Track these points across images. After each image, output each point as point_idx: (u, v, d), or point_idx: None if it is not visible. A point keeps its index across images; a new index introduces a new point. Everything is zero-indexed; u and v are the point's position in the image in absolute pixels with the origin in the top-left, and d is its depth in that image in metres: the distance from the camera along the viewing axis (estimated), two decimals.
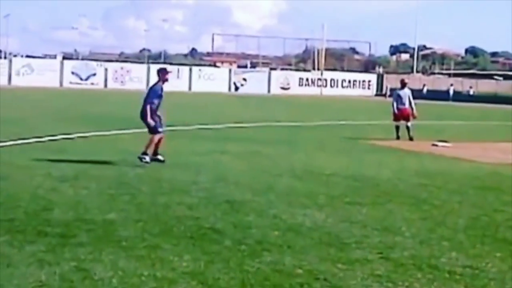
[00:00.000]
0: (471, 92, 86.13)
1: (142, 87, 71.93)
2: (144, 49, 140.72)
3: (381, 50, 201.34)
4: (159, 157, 14.46)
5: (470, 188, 12.78)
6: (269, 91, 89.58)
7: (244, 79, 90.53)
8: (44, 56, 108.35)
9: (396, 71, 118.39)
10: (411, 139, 23.12)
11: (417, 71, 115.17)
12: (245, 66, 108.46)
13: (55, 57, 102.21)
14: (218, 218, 9.25)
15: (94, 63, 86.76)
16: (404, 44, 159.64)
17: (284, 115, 37.10)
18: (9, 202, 9.81)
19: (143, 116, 14.39)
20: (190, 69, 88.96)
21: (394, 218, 9.70)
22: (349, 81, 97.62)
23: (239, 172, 13.84)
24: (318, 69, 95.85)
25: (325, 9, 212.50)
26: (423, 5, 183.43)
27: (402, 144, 21.67)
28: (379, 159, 17.11)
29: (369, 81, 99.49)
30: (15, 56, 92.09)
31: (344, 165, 15.65)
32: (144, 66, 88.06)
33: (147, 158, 14.12)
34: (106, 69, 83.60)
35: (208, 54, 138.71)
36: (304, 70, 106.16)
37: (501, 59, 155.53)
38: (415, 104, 24.46)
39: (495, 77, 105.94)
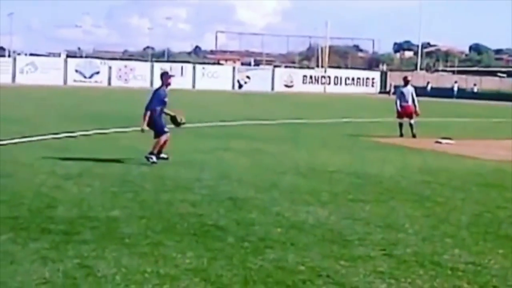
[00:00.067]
0: (475, 90, 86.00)
1: (146, 85, 72.10)
2: (147, 47, 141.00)
3: (385, 47, 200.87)
4: (163, 155, 14.51)
5: (473, 185, 12.79)
6: (272, 88, 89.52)
7: (248, 77, 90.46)
8: (48, 54, 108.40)
9: (400, 69, 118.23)
10: (414, 136, 23.14)
11: (421, 69, 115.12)
12: (249, 64, 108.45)
13: (59, 55, 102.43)
14: (221, 215, 9.27)
15: (98, 61, 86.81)
16: (408, 42, 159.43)
17: (287, 113, 37.09)
18: (13, 200, 9.85)
19: (149, 122, 14.46)
20: (194, 67, 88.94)
21: (397, 215, 9.72)
22: (353, 79, 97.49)
23: (243, 170, 13.86)
24: (322, 66, 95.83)
25: (328, 7, 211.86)
26: (426, 2, 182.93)
27: (405, 142, 21.68)
28: (382, 156, 17.12)
29: (373, 79, 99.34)
30: (19, 54, 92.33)
31: (347, 162, 15.66)
32: (148, 64, 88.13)
33: (154, 158, 14.15)
34: (110, 67, 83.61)
35: (212, 52, 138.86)
36: (308, 67, 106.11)
37: (505, 56, 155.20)
38: (418, 101, 24.46)
39: (499, 74, 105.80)
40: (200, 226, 8.54)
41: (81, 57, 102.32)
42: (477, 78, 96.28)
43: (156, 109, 14.45)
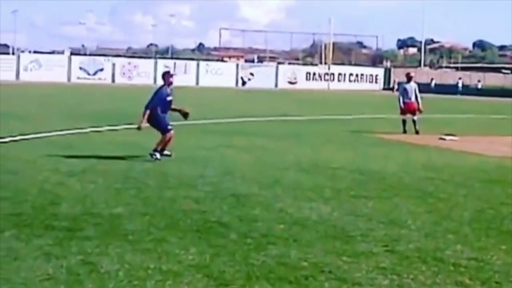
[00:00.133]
0: (479, 86, 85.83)
1: (150, 82, 72.05)
2: (151, 44, 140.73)
3: (389, 44, 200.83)
4: (166, 152, 14.56)
5: (476, 181, 12.80)
6: (276, 85, 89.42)
7: (252, 74, 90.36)
8: (52, 52, 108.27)
9: (403, 65, 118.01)
10: (417, 132, 23.13)
11: (425, 65, 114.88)
12: (252, 61, 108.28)
13: (62, 52, 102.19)
14: (224, 211, 9.30)
15: (101, 58, 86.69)
16: (411, 38, 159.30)
17: (291, 109, 37.08)
18: (17, 197, 9.88)
19: (151, 121, 14.53)
20: (198, 64, 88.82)
21: (400, 211, 9.73)
22: (357, 75, 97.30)
23: (246, 166, 13.88)
24: (326, 63, 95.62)
25: (332, 3, 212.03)
26: None
27: (409, 138, 21.68)
28: (385, 153, 17.13)
29: (377, 75, 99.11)
30: (23, 51, 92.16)
31: (351, 158, 15.67)
32: (152, 61, 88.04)
33: (158, 155, 14.20)
34: (113, 64, 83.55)
35: (216, 49, 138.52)
36: (312, 64, 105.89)
37: (509, 53, 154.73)
38: (422, 98, 24.44)
39: (503, 70, 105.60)
40: (203, 223, 8.57)
41: (85, 54, 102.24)
42: (480, 74, 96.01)
43: (157, 108, 14.49)
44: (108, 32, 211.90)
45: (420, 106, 24.10)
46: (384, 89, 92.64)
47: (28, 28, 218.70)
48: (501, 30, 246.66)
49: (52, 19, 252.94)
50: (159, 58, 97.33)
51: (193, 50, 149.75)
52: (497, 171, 14.33)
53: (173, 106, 14.88)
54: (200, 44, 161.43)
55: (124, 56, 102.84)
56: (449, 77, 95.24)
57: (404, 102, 24.05)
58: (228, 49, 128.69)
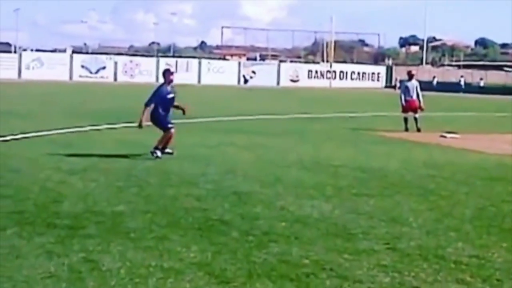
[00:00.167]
0: (481, 84, 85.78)
1: (152, 80, 72.05)
2: (153, 43, 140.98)
3: (391, 42, 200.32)
4: (168, 150, 14.57)
5: (478, 179, 12.80)
6: (278, 83, 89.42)
7: (253, 72, 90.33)
8: (54, 50, 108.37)
9: (405, 63, 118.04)
10: (418, 130, 23.15)
11: (427, 63, 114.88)
12: (254, 59, 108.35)
13: (64, 50, 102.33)
14: (226, 209, 9.31)
15: (103, 56, 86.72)
16: (413, 36, 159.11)
17: (293, 108, 37.08)
18: (19, 195, 9.90)
19: (152, 119, 14.55)
20: (200, 62, 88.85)
21: (401, 209, 9.74)
22: (358, 73, 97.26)
23: (247, 164, 13.90)
24: (327, 61, 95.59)
25: (334, 1, 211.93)
26: None
27: (410, 136, 21.69)
28: (387, 151, 17.14)
29: (379, 73, 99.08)
30: (24, 50, 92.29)
31: (352, 156, 15.68)
32: (154, 59, 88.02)
33: (159, 153, 14.22)
34: (115, 63, 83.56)
35: (217, 47, 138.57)
36: (313, 62, 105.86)
37: (511, 51, 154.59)
38: (423, 96, 24.46)
39: (505, 68, 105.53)
40: (204, 221, 8.58)
41: (87, 52, 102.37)
42: (482, 72, 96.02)
43: (158, 107, 14.50)
44: (110, 31, 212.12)
45: (422, 104, 24.11)
46: (386, 87, 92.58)
47: (30, 27, 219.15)
48: (503, 28, 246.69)
49: (54, 17, 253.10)
50: (161, 56, 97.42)
51: (195, 49, 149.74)
52: (498, 169, 14.34)
53: (175, 103, 14.87)
54: (202, 42, 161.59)
55: (126, 55, 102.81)
56: (451, 75, 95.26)
57: (405, 100, 24.08)
58: (230, 47, 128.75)
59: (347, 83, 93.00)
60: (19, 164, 12.96)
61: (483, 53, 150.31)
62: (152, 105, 14.61)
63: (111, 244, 7.31)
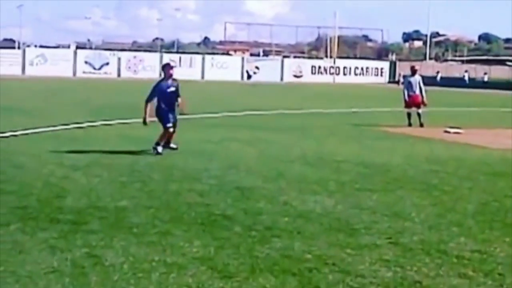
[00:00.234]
0: (485, 79, 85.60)
1: (155, 75, 71.88)
2: (157, 38, 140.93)
3: (394, 37, 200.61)
4: (172, 145, 14.60)
5: (481, 174, 12.80)
6: (281, 79, 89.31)
7: (257, 67, 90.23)
8: (58, 46, 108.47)
9: (409, 58, 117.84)
10: (422, 125, 23.13)
11: (430, 58, 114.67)
12: (258, 54, 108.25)
13: (68, 46, 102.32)
14: (228, 204, 9.33)
15: (107, 52, 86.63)
16: (417, 31, 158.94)
17: (296, 103, 37.05)
18: (22, 190, 9.93)
19: (156, 114, 14.56)
20: (203, 58, 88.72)
21: (404, 204, 9.75)
22: (362, 69, 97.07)
23: (250, 159, 13.91)
24: (331, 56, 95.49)
25: None
26: None
27: (414, 131, 21.67)
28: (390, 146, 17.14)
29: (382, 69, 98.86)
30: (28, 46, 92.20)
31: (355, 152, 15.68)
32: (157, 55, 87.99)
33: (160, 149, 14.23)
34: (119, 58, 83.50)
35: (221, 42, 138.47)
36: (317, 58, 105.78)
37: None
38: (426, 91, 24.44)
39: (509, 63, 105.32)
40: (207, 216, 8.60)
41: (90, 48, 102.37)
42: (486, 67, 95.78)
43: (160, 102, 14.49)
44: (113, 27, 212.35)
45: (425, 99, 24.07)
46: (389, 82, 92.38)
47: (34, 23, 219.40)
48: (507, 22, 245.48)
49: (58, 13, 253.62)
50: (165, 52, 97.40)
51: (198, 44, 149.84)
52: (502, 164, 14.33)
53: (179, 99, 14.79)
54: (206, 38, 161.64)
55: (130, 50, 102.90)
56: (455, 70, 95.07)
57: (408, 95, 24.06)
58: (233, 42, 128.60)
59: (350, 79, 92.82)
60: (22, 159, 13.00)
61: (487, 48, 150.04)
62: (155, 101, 14.61)
63: (114, 239, 7.33)
